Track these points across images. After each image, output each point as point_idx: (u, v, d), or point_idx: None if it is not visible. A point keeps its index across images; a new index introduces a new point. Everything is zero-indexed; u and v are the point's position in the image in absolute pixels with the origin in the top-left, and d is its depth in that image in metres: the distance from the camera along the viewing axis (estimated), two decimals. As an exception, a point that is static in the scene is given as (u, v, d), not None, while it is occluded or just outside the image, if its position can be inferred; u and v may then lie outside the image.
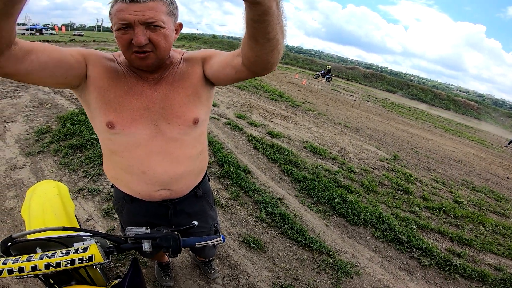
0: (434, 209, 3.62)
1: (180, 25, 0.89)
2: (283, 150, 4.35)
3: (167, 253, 0.69)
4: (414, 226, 3.04)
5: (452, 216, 3.58)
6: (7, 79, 5.58)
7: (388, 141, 6.97)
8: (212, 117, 5.23)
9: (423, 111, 19.24)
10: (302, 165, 3.96)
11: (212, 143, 3.94)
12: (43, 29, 29.86)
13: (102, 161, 1.08)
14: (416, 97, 28.22)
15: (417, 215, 3.39)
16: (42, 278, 0.77)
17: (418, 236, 2.85)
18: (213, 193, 2.82)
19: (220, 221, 2.46)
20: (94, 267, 0.75)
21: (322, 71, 20.89)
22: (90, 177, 2.74)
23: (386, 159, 5.30)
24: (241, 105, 6.80)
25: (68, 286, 0.74)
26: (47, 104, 4.54)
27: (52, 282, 0.77)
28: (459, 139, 10.74)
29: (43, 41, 15.48)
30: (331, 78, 20.29)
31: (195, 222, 0.78)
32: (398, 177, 4.44)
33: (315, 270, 2.17)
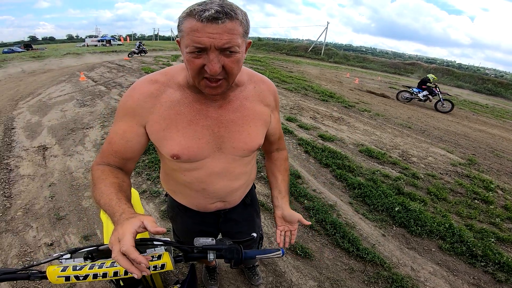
0: (519, 221, 3.03)
1: (249, 43, 0.75)
2: (336, 154, 4.15)
3: (229, 264, 0.72)
4: (492, 239, 2.61)
5: (544, 230, 2.95)
6: (86, 89, 6.49)
7: (461, 143, 6.10)
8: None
9: (504, 108, 16.43)
10: (357, 170, 3.72)
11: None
12: (111, 40, 35.18)
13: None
14: (494, 93, 24.36)
15: (497, 226, 2.90)
16: (114, 281, 0.83)
17: (496, 249, 2.44)
18: (263, 198, 2.84)
19: (269, 227, 2.45)
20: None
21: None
22: (152, 180, 3.00)
23: (460, 164, 4.64)
24: (291, 108, 6.72)
25: None
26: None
27: (122, 284, 0.82)
28: (555, 139, 8.86)
29: (112, 51, 17.94)
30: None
31: (254, 234, 0.80)
32: (474, 184, 3.85)
33: (366, 282, 2.00)
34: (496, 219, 3.02)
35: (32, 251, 2.07)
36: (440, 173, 4.13)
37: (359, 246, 2.29)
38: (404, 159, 4.48)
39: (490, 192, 3.66)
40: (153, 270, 0.66)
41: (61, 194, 2.75)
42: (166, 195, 1.17)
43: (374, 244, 2.39)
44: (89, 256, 0.70)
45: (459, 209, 3.12)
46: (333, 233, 2.42)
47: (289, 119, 5.66)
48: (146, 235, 0.80)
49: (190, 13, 0.64)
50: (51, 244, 2.14)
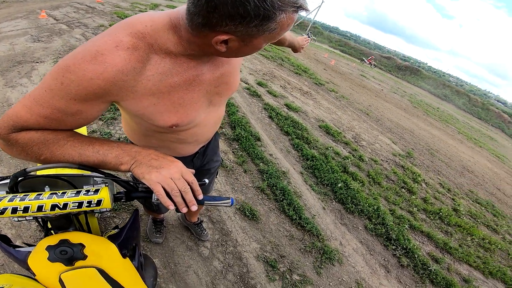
0: (431, 213, 3.60)
1: None
2: (298, 124, 4.31)
3: (175, 208, 0.66)
4: (406, 226, 3.04)
5: (445, 222, 3.56)
6: (44, 26, 5.55)
7: (406, 137, 6.76)
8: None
9: (451, 114, 18.33)
10: (313, 143, 3.93)
11: (228, 104, 3.92)
12: None
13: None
14: (448, 99, 26.89)
15: (413, 215, 3.39)
16: (41, 222, 0.71)
17: (407, 236, 2.86)
18: (221, 154, 2.89)
19: (222, 184, 2.53)
20: (95, 214, 0.72)
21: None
22: (105, 121, 2.80)
23: (399, 155, 5.19)
24: (264, 74, 6.62)
25: (65, 232, 0.68)
26: (75, 43, 4.54)
27: (50, 227, 0.71)
28: (478, 150, 10.32)
29: None
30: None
31: (206, 180, 0.76)
32: (406, 175, 4.38)
33: (302, 250, 2.22)
34: (414, 208, 3.52)
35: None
36: (381, 159, 4.59)
37: (302, 215, 2.50)
38: (356, 141, 4.85)
39: (416, 184, 4.22)
40: (86, 206, 0.59)
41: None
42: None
43: (315, 215, 2.64)
44: (15, 188, 0.61)
45: (388, 194, 3.56)
46: (281, 199, 2.60)
47: (259, 84, 5.61)
48: (76, 171, 0.70)
49: (299, 7, 0.55)
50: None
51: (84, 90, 0.58)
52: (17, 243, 0.76)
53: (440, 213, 3.65)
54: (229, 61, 0.81)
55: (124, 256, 0.70)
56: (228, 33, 0.55)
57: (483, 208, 4.70)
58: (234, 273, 1.85)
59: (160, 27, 0.62)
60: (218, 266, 1.85)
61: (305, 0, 0.55)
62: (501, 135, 21.66)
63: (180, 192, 0.61)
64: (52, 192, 0.59)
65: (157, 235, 1.80)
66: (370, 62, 26.66)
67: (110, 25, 6.83)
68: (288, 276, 1.96)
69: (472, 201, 4.81)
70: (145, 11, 11.00)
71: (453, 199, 4.42)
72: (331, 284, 2.06)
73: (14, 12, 7.01)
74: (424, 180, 4.58)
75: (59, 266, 0.63)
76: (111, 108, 2.97)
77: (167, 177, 0.61)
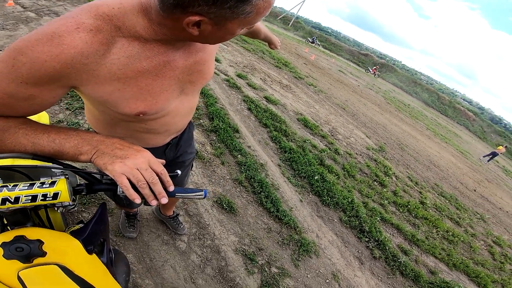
0: (400, 205, 3.78)
1: None
2: (276, 116, 4.32)
3: (143, 200, 0.62)
4: (378, 218, 3.17)
5: (413, 215, 3.76)
6: (10, 14, 5.11)
7: (379, 131, 7.04)
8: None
9: (421, 111, 19.32)
10: (291, 136, 3.97)
11: (207, 95, 3.83)
12: None
13: None
14: (419, 97, 28.32)
15: (384, 207, 3.54)
16: None
17: (379, 228, 2.98)
18: (198, 146, 2.83)
19: (199, 176, 2.49)
20: (56, 209, 0.66)
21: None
22: (72, 110, 2.62)
23: (372, 149, 5.40)
24: (244, 66, 6.55)
25: (21, 228, 0.64)
26: (39, 17, 4.19)
27: (5, 222, 0.66)
28: (444, 145, 11.01)
29: None
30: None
31: (179, 172, 0.71)
32: (378, 168, 4.56)
33: (280, 243, 2.24)
34: (385, 201, 3.68)
35: None
36: (356, 153, 4.75)
37: (279, 207, 2.52)
38: (332, 135, 4.97)
39: (387, 177, 4.42)
40: (41, 200, 0.55)
41: None
42: None
43: (292, 208, 2.68)
44: None
45: (362, 187, 3.69)
46: (259, 191, 2.60)
47: (239, 76, 5.54)
48: (30, 161, 0.64)
49: None
50: None
51: (37, 73, 0.53)
52: None
53: (409, 206, 3.85)
54: (203, 48, 0.77)
55: (90, 252, 0.66)
56: (200, 14, 0.51)
57: (447, 201, 5.03)
58: (213, 267, 1.83)
59: (129, 10, 0.58)
60: (196, 260, 1.82)
61: None
62: (466, 132, 23.26)
63: (147, 183, 0.57)
64: (2, 185, 0.54)
65: (131, 229, 1.72)
66: (374, 72, 26.60)
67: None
68: (266, 269, 1.98)
69: (438, 194, 5.13)
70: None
71: (420, 192, 4.68)
72: (308, 276, 2.11)
73: (-20, 0, 6.42)
74: (394, 173, 4.81)
75: (16, 264, 0.58)
76: (78, 97, 2.78)
77: (132, 167, 0.56)
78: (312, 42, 25.74)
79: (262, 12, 0.55)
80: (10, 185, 0.54)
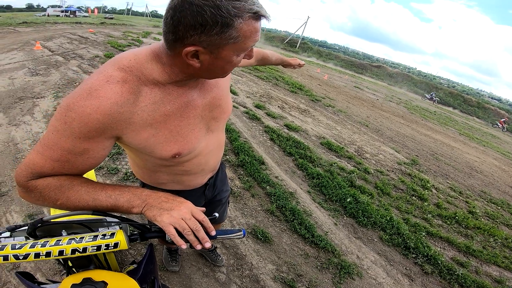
0: (446, 218, 3.54)
1: None
2: (299, 144, 4.34)
3: (188, 244, 0.68)
4: (423, 233, 3.00)
5: (463, 226, 3.49)
6: (40, 58, 5.85)
7: (408, 144, 6.77)
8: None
9: (449, 116, 18.42)
10: (317, 161, 3.95)
11: (230, 131, 3.99)
12: (76, 11, 30.78)
13: None
14: (443, 101, 27.10)
15: (428, 222, 3.33)
16: (62, 261, 0.76)
17: (426, 243, 2.81)
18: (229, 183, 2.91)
19: (231, 210, 2.53)
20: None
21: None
22: (110, 156, 2.85)
23: (404, 163, 5.18)
24: (261, 95, 6.78)
25: (87, 270, 0.71)
26: (76, 83, 4.73)
27: (70, 265, 0.75)
28: (483, 149, 10.25)
29: (76, 22, 15.90)
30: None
31: (216, 214, 0.76)
32: (414, 182, 4.34)
33: (319, 268, 2.19)
34: (428, 215, 3.47)
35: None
36: (387, 169, 4.58)
37: (314, 233, 2.48)
38: (359, 155, 4.86)
39: (426, 191, 4.18)
40: (104, 249, 0.63)
41: (4, 167, 2.46)
42: (143, 185, 1.07)
43: (327, 232, 2.61)
44: (33, 234, 0.64)
45: (399, 204, 3.52)
46: (291, 219, 2.58)
47: (257, 106, 5.73)
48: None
49: (255, 15, 0.58)
50: (-9, 222, 1.94)
51: (86, 127, 0.61)
52: (38, 278, 0.79)
53: (456, 217, 3.58)
54: (216, 84, 0.85)
55: None
56: (194, 44, 0.59)
57: (499, 207, 4.60)
58: (253, 298, 1.81)
59: (143, 59, 0.67)
60: (237, 292, 1.82)
61: (262, 6, 0.59)
62: (502, 131, 21.59)
63: (192, 231, 0.63)
64: (70, 237, 0.62)
65: (173, 263, 1.82)
66: (502, 126, 22.27)
67: (105, 55, 7.09)
68: (308, 296, 1.91)
69: (487, 201, 4.72)
70: (137, 39, 11.49)
71: (466, 202, 4.35)
72: (354, 300, 2.00)
73: (9, 43, 7.35)
74: (433, 185, 4.53)
75: None
76: (115, 144, 3.04)
77: (178, 218, 0.63)
78: (431, 99, 23.94)
79: (249, 36, 0.60)
80: (77, 238, 0.63)
